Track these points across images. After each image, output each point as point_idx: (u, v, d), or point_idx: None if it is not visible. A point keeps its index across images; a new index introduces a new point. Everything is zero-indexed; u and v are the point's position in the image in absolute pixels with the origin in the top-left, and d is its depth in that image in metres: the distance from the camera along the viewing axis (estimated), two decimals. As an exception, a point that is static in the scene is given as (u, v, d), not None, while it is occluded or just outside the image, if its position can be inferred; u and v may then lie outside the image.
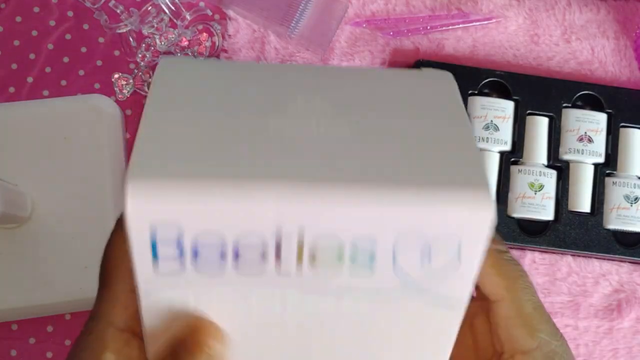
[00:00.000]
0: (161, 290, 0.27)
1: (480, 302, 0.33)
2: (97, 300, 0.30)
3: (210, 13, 0.58)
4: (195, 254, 0.26)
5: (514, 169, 0.55)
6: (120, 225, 0.30)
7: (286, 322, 0.28)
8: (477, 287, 0.32)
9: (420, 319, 0.28)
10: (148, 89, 0.56)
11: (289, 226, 0.26)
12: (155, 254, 0.26)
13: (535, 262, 0.56)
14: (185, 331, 0.28)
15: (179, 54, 0.57)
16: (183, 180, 0.25)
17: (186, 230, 0.25)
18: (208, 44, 0.57)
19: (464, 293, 0.27)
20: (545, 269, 0.56)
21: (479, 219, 0.26)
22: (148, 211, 0.25)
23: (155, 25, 0.57)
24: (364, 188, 0.25)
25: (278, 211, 0.25)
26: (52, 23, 0.57)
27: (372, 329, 0.28)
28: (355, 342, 0.29)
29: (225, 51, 0.57)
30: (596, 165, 0.56)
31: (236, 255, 0.26)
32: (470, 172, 0.26)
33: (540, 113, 0.56)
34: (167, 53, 0.57)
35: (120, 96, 0.57)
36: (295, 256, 0.26)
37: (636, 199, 0.54)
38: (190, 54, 0.57)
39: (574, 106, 0.57)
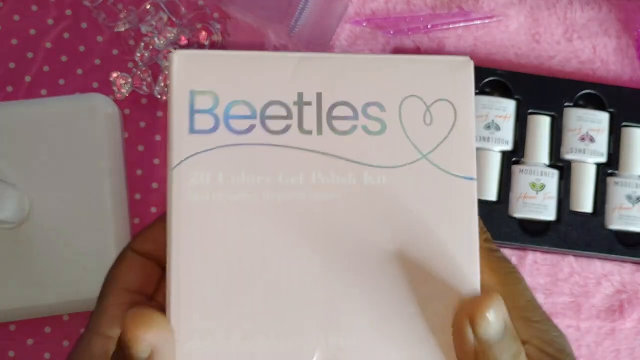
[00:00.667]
0: (193, 159, 0.30)
1: None
2: (92, 314, 0.32)
3: (209, 12, 0.58)
4: (227, 114, 0.30)
5: (515, 168, 0.55)
6: (126, 249, 0.32)
7: (310, 200, 0.30)
8: None
9: (437, 187, 0.31)
10: (147, 88, 0.56)
11: (309, 92, 0.30)
12: (192, 113, 0.29)
13: (537, 263, 0.56)
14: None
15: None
16: (219, 54, 0.30)
17: (221, 93, 0.30)
18: (207, 43, 0.57)
19: (469, 154, 0.31)
20: (547, 270, 0.56)
21: (463, 75, 0.31)
22: (189, 75, 0.30)
23: (154, 24, 0.56)
24: (373, 58, 0.31)
25: (299, 78, 0.30)
26: (51, 22, 0.57)
27: (394, 203, 0.30)
28: (379, 218, 0.30)
29: (225, 50, 0.57)
30: (598, 165, 0.56)
31: (264, 117, 0.30)
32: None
33: (542, 112, 0.56)
34: (166, 52, 0.56)
35: (118, 95, 0.56)
36: (315, 116, 0.30)
37: (638, 199, 0.54)
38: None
39: (576, 105, 0.56)
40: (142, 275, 0.32)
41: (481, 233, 0.32)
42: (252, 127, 0.30)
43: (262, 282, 0.30)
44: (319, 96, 0.30)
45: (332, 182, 0.30)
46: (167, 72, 0.57)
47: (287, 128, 0.30)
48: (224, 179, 0.30)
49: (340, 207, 0.30)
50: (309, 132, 0.30)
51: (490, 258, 0.32)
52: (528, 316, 0.31)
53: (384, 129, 0.30)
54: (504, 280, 0.31)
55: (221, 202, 0.30)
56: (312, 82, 0.30)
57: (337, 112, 0.30)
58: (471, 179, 0.31)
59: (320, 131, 0.30)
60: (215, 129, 0.30)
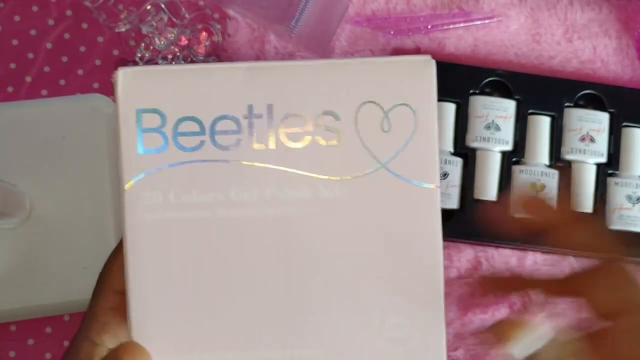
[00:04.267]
0: (144, 179, 0.29)
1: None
2: (85, 312, 0.33)
3: (209, 12, 0.58)
4: (176, 131, 0.29)
5: (515, 169, 0.55)
6: (117, 249, 0.32)
7: (264, 216, 0.29)
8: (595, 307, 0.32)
9: (397, 196, 0.30)
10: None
11: (259, 104, 0.29)
12: (140, 132, 0.29)
13: (537, 263, 0.56)
14: (113, 351, 0.29)
15: (179, 54, 0.57)
16: (164, 69, 0.29)
17: (168, 110, 0.29)
18: (207, 43, 0.57)
19: (431, 162, 0.30)
20: (547, 270, 0.56)
21: (424, 77, 0.29)
22: (135, 94, 0.29)
23: (155, 25, 0.56)
24: (325, 64, 0.29)
25: (248, 90, 0.29)
26: (51, 22, 0.57)
27: (351, 217, 0.30)
28: (336, 231, 0.30)
29: (225, 50, 0.57)
30: (598, 165, 0.55)
31: (213, 132, 0.29)
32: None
33: (542, 113, 0.56)
34: (166, 52, 0.56)
35: (119, 96, 0.56)
36: (267, 129, 0.29)
37: (638, 199, 0.54)
38: (189, 52, 0.57)
39: (576, 106, 0.56)
40: None
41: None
42: (201, 143, 0.29)
43: (221, 298, 0.29)
44: (270, 108, 0.29)
45: (286, 196, 0.29)
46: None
47: (237, 142, 0.29)
48: (176, 197, 0.29)
49: (296, 221, 0.29)
50: (261, 146, 0.29)
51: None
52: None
53: (339, 139, 0.29)
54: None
55: (174, 221, 0.29)
56: (262, 93, 0.29)
57: (288, 123, 0.29)
58: (435, 187, 0.30)
59: (272, 144, 0.29)
60: (164, 147, 0.29)
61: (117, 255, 0.33)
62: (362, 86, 0.29)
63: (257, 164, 0.29)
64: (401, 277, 0.30)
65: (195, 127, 0.29)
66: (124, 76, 0.29)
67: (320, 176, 0.29)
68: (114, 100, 0.29)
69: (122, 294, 0.32)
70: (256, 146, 0.29)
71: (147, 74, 0.29)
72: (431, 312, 0.30)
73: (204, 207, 0.29)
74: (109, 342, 0.31)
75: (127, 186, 0.29)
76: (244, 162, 0.29)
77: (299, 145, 0.29)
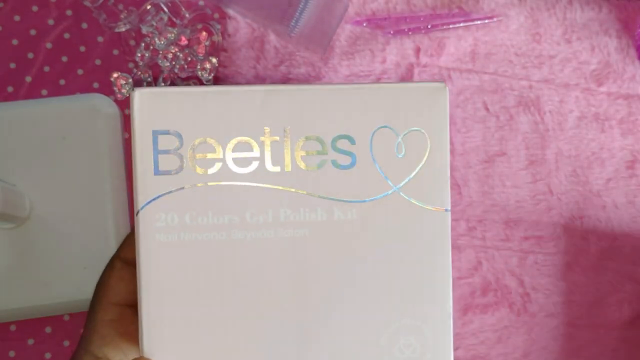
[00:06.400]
0: (159, 201, 0.29)
1: None
2: (84, 326, 0.32)
3: (209, 12, 0.58)
4: (192, 153, 0.29)
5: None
6: (114, 258, 0.32)
7: (279, 238, 0.30)
8: None
9: (409, 220, 0.30)
10: (147, 88, 0.56)
11: (275, 126, 0.29)
12: (156, 153, 0.29)
13: (537, 264, 0.56)
14: None
15: (179, 54, 0.57)
16: (181, 91, 0.29)
17: (185, 132, 0.29)
18: (207, 43, 0.57)
19: (443, 186, 0.30)
20: (547, 270, 0.56)
21: (437, 102, 0.30)
22: (151, 115, 0.29)
23: (155, 25, 0.56)
24: (341, 89, 0.30)
25: (265, 112, 0.29)
26: (51, 22, 0.57)
27: (364, 240, 0.30)
28: (350, 253, 0.30)
29: (225, 51, 0.57)
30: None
31: (230, 154, 0.29)
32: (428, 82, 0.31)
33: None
34: (166, 52, 0.57)
35: (119, 95, 0.56)
36: (283, 151, 0.29)
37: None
38: (189, 52, 0.57)
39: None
40: (131, 285, 0.32)
41: None
42: (218, 165, 0.29)
43: (233, 318, 0.30)
44: (286, 131, 0.29)
45: (302, 218, 0.30)
46: (167, 73, 0.57)
47: (254, 165, 0.29)
48: (191, 219, 0.29)
49: (310, 243, 0.30)
50: (277, 168, 0.29)
51: None
52: None
53: (354, 162, 0.30)
54: None
55: (189, 243, 0.29)
56: (279, 116, 0.29)
57: (305, 146, 0.30)
58: (445, 210, 0.30)
59: (288, 167, 0.30)
60: (180, 169, 0.29)
61: (113, 267, 0.32)
62: (378, 111, 0.30)
63: (273, 186, 0.29)
64: (411, 298, 0.30)
65: (212, 149, 0.29)
66: (140, 97, 0.29)
67: (335, 199, 0.30)
68: (128, 115, 0.29)
69: (120, 306, 0.32)
70: (272, 169, 0.29)
71: (163, 95, 0.29)
72: (440, 332, 0.30)
73: (220, 228, 0.29)
74: (110, 355, 0.31)
75: (141, 207, 0.29)
76: (260, 185, 0.29)
77: (314, 168, 0.30)
